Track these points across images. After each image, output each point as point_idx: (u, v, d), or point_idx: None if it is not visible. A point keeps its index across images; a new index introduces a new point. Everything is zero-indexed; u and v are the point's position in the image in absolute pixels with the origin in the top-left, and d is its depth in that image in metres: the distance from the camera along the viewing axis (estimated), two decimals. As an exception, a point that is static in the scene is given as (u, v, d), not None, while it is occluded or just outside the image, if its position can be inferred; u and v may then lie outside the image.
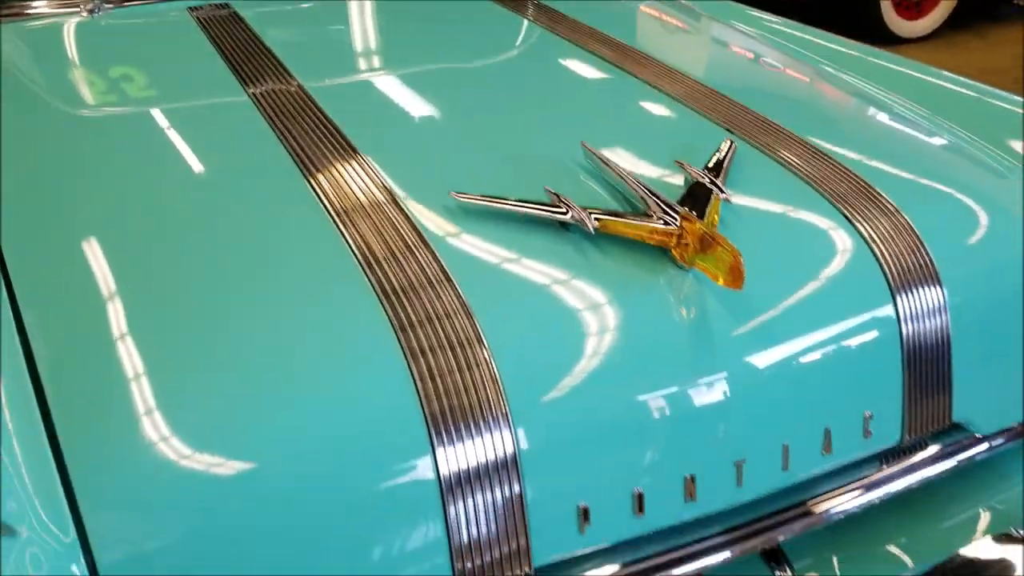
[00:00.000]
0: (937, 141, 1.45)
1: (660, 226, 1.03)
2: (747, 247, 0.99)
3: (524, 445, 0.94)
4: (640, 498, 0.99)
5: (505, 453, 0.93)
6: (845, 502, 1.12)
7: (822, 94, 1.72)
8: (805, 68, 1.76)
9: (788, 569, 1.16)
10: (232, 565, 0.86)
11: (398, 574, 0.92)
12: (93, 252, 1.08)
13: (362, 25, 1.93)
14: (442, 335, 0.95)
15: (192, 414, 0.89)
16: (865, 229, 1.17)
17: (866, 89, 1.64)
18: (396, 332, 0.95)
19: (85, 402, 0.90)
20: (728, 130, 1.34)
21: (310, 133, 1.29)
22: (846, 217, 1.17)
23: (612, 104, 1.53)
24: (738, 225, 1.12)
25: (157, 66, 1.65)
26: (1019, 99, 1.57)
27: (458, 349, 0.95)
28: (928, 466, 1.17)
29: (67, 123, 1.45)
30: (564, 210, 1.06)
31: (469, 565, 0.94)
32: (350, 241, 1.05)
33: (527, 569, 0.96)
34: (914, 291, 1.14)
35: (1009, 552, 1.20)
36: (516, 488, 0.94)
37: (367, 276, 1.00)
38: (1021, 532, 1.22)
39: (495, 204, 1.10)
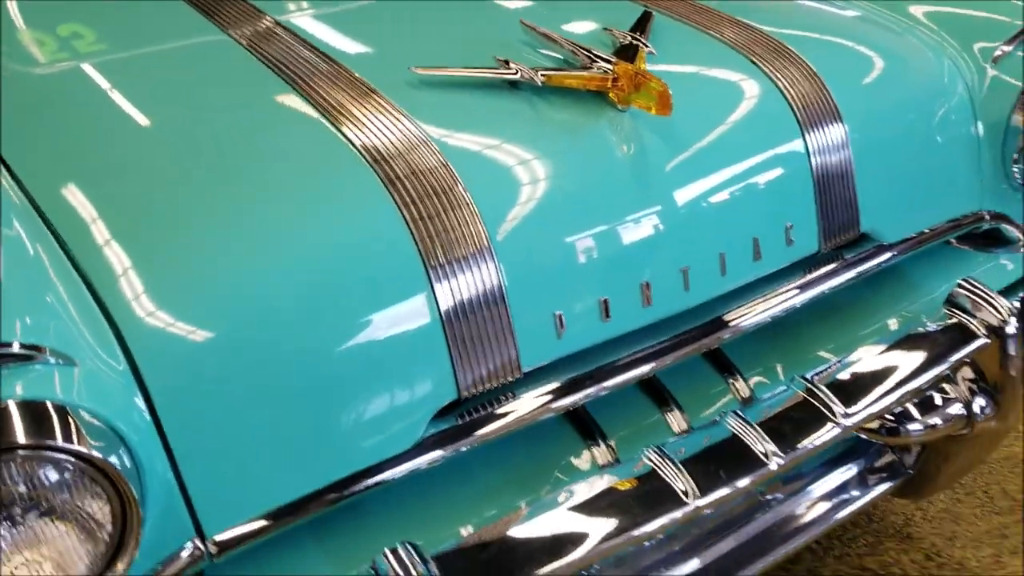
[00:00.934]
0: (845, 12, 1.62)
1: (597, 73, 1.19)
2: (675, 90, 1.15)
3: (505, 268, 1.09)
4: (606, 305, 1.16)
5: (490, 277, 1.08)
6: (777, 305, 1.30)
7: None
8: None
9: (739, 376, 1.35)
10: (255, 376, 1.00)
11: (408, 390, 1.08)
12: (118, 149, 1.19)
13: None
14: (427, 185, 1.09)
15: (212, 258, 1.03)
16: (776, 77, 1.35)
17: None
18: (386, 186, 1.09)
19: (116, 259, 1.02)
20: (647, 8, 1.50)
21: (289, 54, 1.38)
22: (760, 68, 1.35)
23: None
24: (666, 76, 1.28)
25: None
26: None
27: (442, 195, 1.09)
28: (845, 271, 1.37)
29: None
30: (513, 70, 1.21)
31: (470, 377, 1.10)
32: (336, 124, 1.16)
33: (517, 374, 1.12)
34: (820, 126, 1.33)
35: (920, 343, 1.40)
36: (502, 306, 1.09)
37: (355, 149, 1.12)
38: (931, 325, 1.42)
39: (452, 73, 1.24)
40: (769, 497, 1.49)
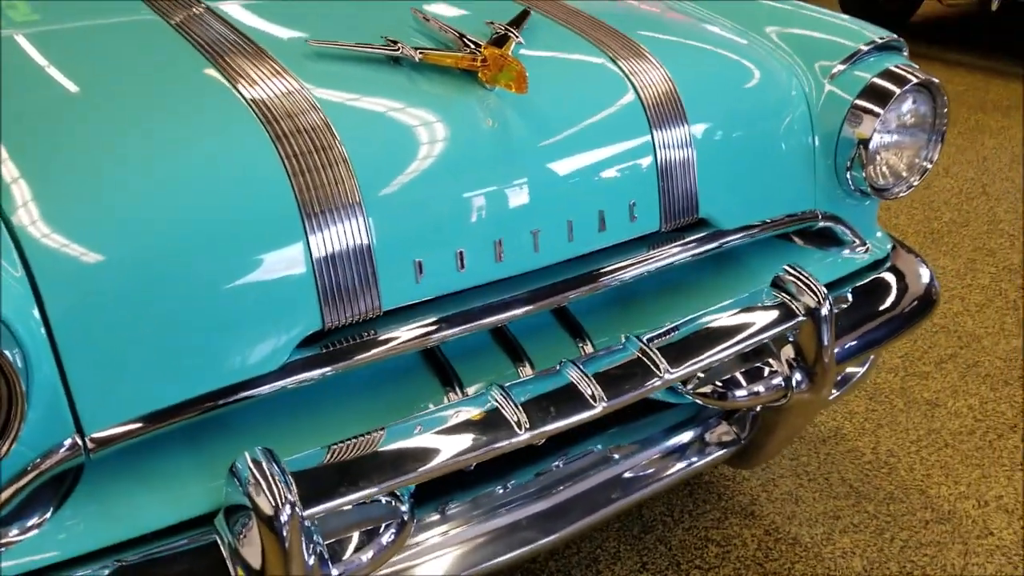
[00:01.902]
0: (707, 27, 1.82)
1: (468, 54, 1.36)
2: (537, 76, 1.33)
3: (373, 218, 1.24)
4: (461, 256, 1.32)
5: (359, 226, 1.23)
6: (620, 272, 1.47)
7: (633, 5, 2.07)
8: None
9: (587, 339, 1.51)
10: (139, 292, 1.13)
11: (278, 319, 1.22)
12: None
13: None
14: (309, 142, 1.24)
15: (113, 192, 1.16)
16: (633, 76, 1.53)
17: (674, 4, 1.98)
18: (273, 141, 1.23)
19: (19, 186, 1.15)
20: (526, 7, 1.67)
21: (209, 31, 1.51)
22: (619, 67, 1.53)
23: None
24: (530, 64, 1.45)
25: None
26: (789, 7, 1.95)
27: (322, 152, 1.24)
28: (682, 249, 1.55)
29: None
30: (396, 48, 1.37)
31: (335, 315, 1.24)
32: (234, 84, 1.30)
33: (378, 313, 1.27)
34: (667, 123, 1.51)
35: (745, 317, 1.58)
36: (367, 251, 1.24)
37: (248, 106, 1.27)
38: (757, 304, 1.60)
39: (343, 47, 1.39)
40: (616, 455, 1.66)
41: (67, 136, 1.23)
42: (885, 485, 2.18)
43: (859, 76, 1.70)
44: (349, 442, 1.23)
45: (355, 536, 1.27)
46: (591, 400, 1.33)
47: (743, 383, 1.58)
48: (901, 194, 1.80)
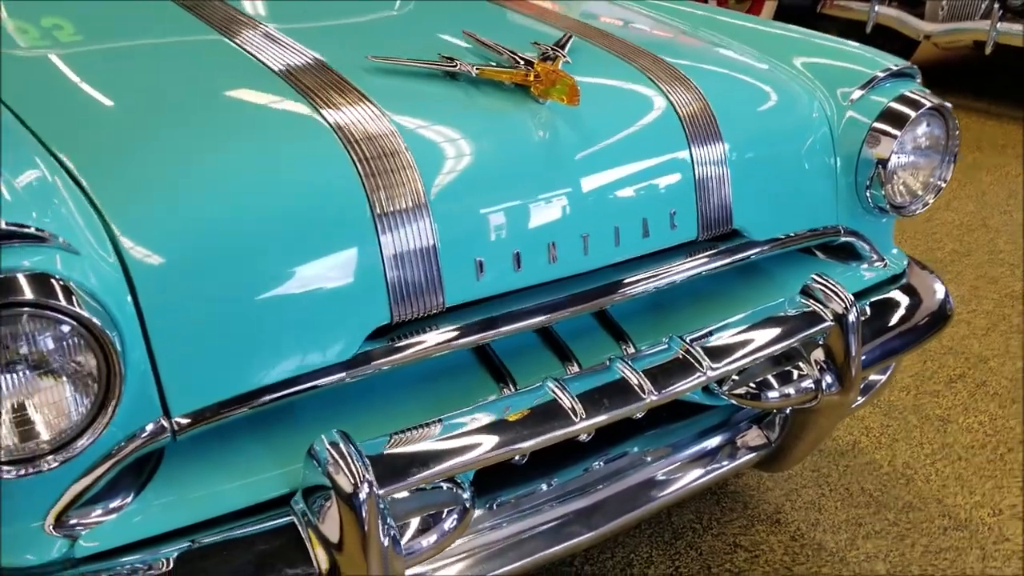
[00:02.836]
0: (738, 55, 1.93)
1: (521, 69, 1.45)
2: (585, 93, 1.42)
3: (437, 219, 1.33)
4: (518, 257, 1.40)
5: (426, 225, 1.31)
6: (661, 277, 1.56)
7: (663, 33, 2.17)
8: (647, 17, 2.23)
9: (629, 342, 1.59)
10: (222, 284, 1.21)
11: (349, 312, 1.29)
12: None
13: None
14: (378, 148, 1.33)
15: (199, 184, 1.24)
16: (672, 96, 1.62)
17: (701, 33, 2.10)
18: (345, 146, 1.32)
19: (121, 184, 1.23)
20: (568, 33, 1.78)
21: (271, 44, 1.64)
22: (659, 87, 1.63)
23: (483, 21, 1.95)
24: (579, 81, 1.55)
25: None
26: (808, 37, 2.06)
27: (390, 157, 1.33)
28: (719, 257, 1.63)
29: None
30: (454, 64, 1.47)
31: (403, 310, 1.32)
32: (305, 97, 1.40)
33: (442, 308, 1.35)
34: (703, 140, 1.61)
35: (777, 323, 1.66)
36: (433, 249, 1.32)
37: (320, 116, 1.36)
38: (789, 311, 1.69)
39: (403, 63, 1.49)
40: (651, 458, 1.73)
41: (159, 141, 1.32)
42: (903, 495, 2.25)
43: (876, 101, 1.80)
44: (416, 430, 1.30)
45: (419, 520, 1.34)
46: (640, 392, 1.41)
47: (775, 385, 1.66)
48: (917, 211, 1.89)
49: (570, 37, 1.69)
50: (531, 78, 1.45)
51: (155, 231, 1.20)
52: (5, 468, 1.07)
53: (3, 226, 1.06)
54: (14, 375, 1.07)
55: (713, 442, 1.79)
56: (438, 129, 1.40)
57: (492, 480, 1.53)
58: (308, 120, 1.36)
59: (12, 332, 1.05)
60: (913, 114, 1.78)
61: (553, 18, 2.03)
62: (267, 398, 1.25)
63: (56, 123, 1.34)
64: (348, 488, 1.17)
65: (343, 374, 1.29)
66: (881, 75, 1.84)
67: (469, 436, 1.29)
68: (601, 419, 1.37)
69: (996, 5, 5.05)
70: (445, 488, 1.34)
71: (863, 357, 1.75)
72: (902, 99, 1.80)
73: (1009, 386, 2.71)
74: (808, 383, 1.68)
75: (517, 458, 1.47)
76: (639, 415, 1.50)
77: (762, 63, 1.87)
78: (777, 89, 1.80)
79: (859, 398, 1.95)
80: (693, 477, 1.74)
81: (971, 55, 6.39)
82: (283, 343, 1.26)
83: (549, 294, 1.47)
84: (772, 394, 1.66)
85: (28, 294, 1.03)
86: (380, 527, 1.19)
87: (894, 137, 1.77)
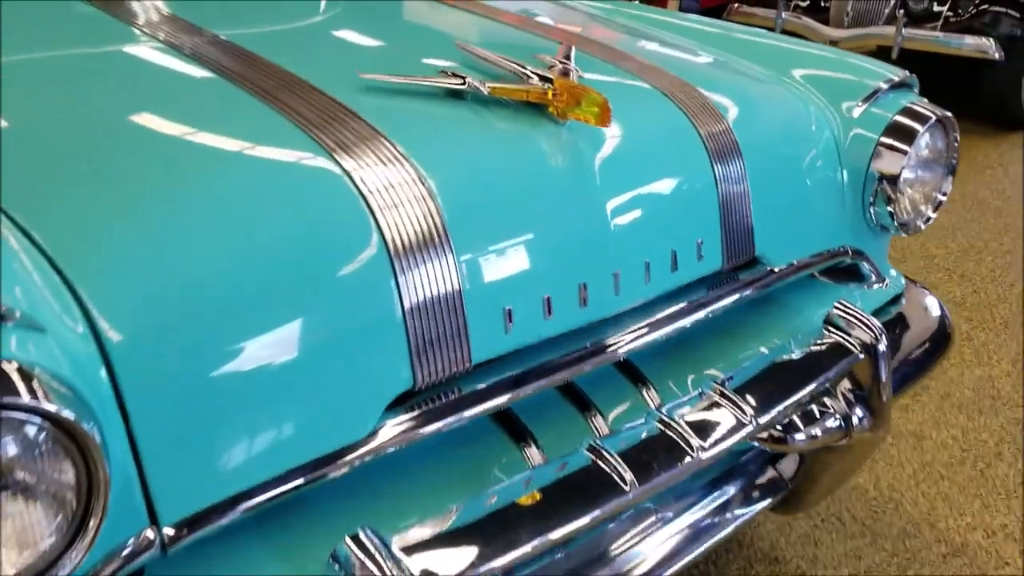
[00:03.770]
0: (740, 67, 1.78)
1: (539, 85, 1.27)
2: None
3: (462, 263, 1.13)
4: (548, 302, 1.21)
5: (448, 269, 1.11)
6: (692, 314, 1.40)
7: (657, 42, 2.00)
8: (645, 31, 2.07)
9: (649, 386, 1.43)
10: (214, 358, 0.98)
11: (367, 379, 1.08)
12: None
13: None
14: (389, 178, 1.12)
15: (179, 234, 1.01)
16: (689, 112, 1.46)
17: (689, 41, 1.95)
18: (349, 176, 1.11)
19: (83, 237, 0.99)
20: (563, 43, 1.60)
21: (253, 67, 1.39)
22: (674, 102, 1.46)
23: (472, 32, 1.76)
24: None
25: None
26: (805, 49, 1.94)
27: (405, 188, 1.12)
28: (745, 288, 1.49)
29: None
30: (461, 80, 1.27)
31: (427, 371, 1.12)
32: (293, 122, 1.18)
33: (468, 366, 1.15)
34: (725, 157, 1.46)
35: (807, 359, 1.53)
36: (459, 297, 1.12)
37: (316, 142, 1.14)
38: (813, 344, 1.56)
39: (401, 80, 1.28)
40: (658, 516, 1.55)
41: (128, 180, 1.07)
42: (896, 521, 2.16)
43: (880, 114, 1.70)
44: (445, 517, 1.10)
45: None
46: (688, 449, 1.25)
47: (801, 425, 1.53)
48: (921, 227, 1.80)
49: (570, 48, 1.51)
50: (550, 95, 1.27)
51: (133, 292, 0.96)
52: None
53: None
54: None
55: (724, 493, 1.64)
56: (455, 157, 1.20)
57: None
58: (301, 149, 1.14)
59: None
60: (920, 128, 1.68)
61: (512, 19, 1.85)
62: (275, 492, 1.02)
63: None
64: (387, 600, 0.96)
65: (363, 455, 1.08)
66: (885, 86, 1.74)
67: (512, 521, 1.10)
68: (655, 483, 1.20)
69: (901, 11, 5.15)
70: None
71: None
72: (907, 112, 1.70)
73: (972, 396, 2.68)
74: (836, 420, 1.55)
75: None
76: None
77: (765, 73, 1.75)
78: (786, 103, 1.67)
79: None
80: (708, 533, 1.58)
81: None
82: (291, 423, 1.04)
83: (576, 340, 1.29)
84: (799, 436, 1.53)
85: (-14, 393, 0.79)
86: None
87: (903, 152, 1.67)
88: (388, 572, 0.99)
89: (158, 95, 1.27)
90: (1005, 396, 2.68)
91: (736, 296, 1.47)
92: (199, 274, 1.00)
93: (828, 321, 1.55)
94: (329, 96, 1.24)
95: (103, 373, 0.92)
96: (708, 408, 1.34)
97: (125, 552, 0.94)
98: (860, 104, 1.72)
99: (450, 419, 1.14)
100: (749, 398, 1.36)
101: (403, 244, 1.09)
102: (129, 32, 1.51)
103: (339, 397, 1.07)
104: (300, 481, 1.04)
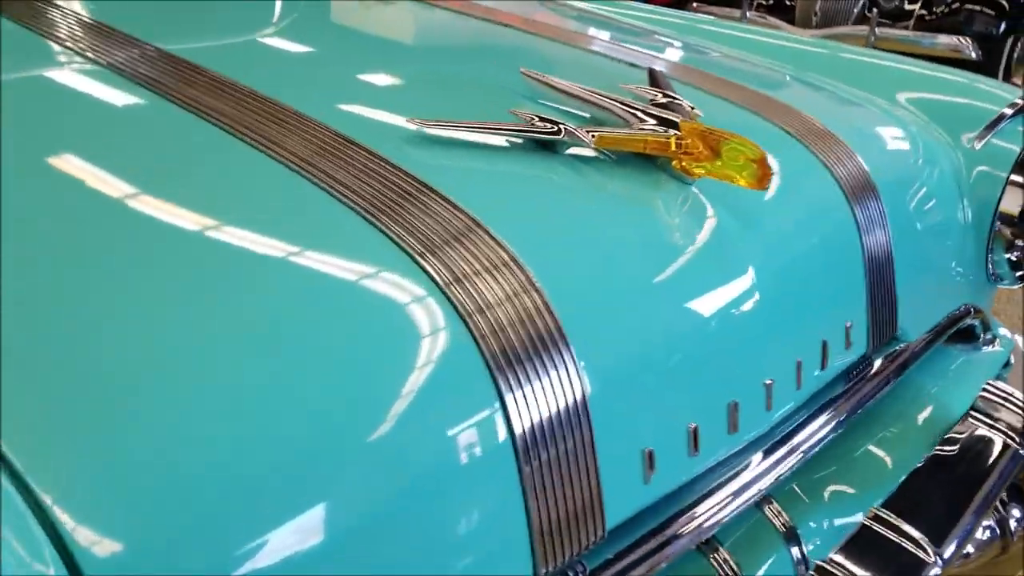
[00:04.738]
0: (849, 96, 1.47)
1: (659, 131, 0.93)
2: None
3: (589, 380, 0.78)
4: (695, 434, 0.88)
5: (574, 392, 0.77)
6: (839, 418, 1.08)
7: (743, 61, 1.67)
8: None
9: (774, 502, 1.10)
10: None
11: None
12: None
13: None
14: (470, 257, 0.77)
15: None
16: (826, 160, 1.14)
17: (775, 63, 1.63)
18: (415, 258, 0.76)
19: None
20: (651, 69, 1.26)
21: (246, 105, 1.02)
22: (806, 147, 1.14)
23: (529, 59, 1.41)
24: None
25: None
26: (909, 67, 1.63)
27: (494, 272, 0.77)
28: (886, 377, 1.17)
29: None
30: (554, 128, 0.93)
31: (552, 555, 0.77)
32: (326, 187, 0.83)
33: (601, 538, 0.81)
34: (870, 222, 1.14)
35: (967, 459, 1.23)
36: (590, 456, 0.78)
37: (357, 211, 0.79)
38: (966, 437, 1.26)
39: (464, 129, 0.93)
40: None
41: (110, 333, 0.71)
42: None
43: (1005, 147, 1.41)
44: None
45: None
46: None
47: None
48: (1037, 280, 1.52)
49: (658, 74, 1.18)
50: (672, 147, 0.93)
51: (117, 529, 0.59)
52: None
53: None
54: None
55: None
56: (568, 245, 0.86)
57: None
58: (359, 245, 0.78)
59: None
60: (1059, 162, 1.39)
61: (555, 33, 1.51)
62: None
63: None
64: None
65: None
66: (1009, 112, 1.44)
67: None
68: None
69: (875, 11, 4.95)
70: None
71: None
72: (1041, 143, 1.42)
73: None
74: (990, 527, 1.26)
75: None
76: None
77: (881, 102, 1.43)
78: (913, 141, 1.35)
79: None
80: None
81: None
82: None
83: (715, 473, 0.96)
84: (947, 552, 1.23)
85: None
86: None
87: (1040, 192, 1.38)
88: None
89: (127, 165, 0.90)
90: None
91: (884, 387, 1.16)
92: (206, 478, 0.64)
93: (976, 409, 1.26)
94: (381, 157, 0.87)
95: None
96: (869, 545, 1.03)
97: None
98: (983, 134, 1.43)
99: (584, 620, 0.79)
100: (922, 528, 1.05)
101: (518, 387, 0.74)
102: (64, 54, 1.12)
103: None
104: None
